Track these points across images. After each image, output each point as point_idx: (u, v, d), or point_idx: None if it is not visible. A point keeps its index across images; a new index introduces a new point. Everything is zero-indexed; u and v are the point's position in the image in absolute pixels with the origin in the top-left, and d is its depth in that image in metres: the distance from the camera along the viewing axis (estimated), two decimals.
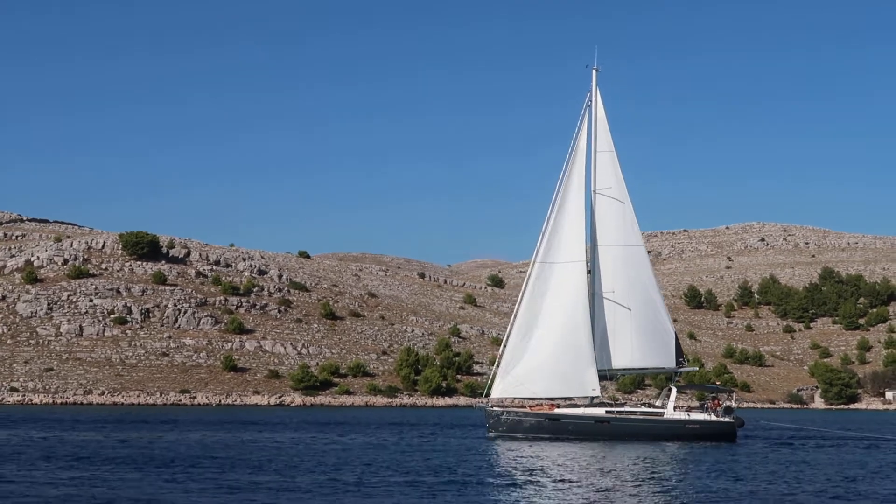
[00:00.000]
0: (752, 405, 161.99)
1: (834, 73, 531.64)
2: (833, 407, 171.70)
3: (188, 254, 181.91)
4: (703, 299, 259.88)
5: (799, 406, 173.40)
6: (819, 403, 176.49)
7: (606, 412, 70.38)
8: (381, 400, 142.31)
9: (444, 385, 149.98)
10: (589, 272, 73.50)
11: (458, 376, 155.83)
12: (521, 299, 72.50)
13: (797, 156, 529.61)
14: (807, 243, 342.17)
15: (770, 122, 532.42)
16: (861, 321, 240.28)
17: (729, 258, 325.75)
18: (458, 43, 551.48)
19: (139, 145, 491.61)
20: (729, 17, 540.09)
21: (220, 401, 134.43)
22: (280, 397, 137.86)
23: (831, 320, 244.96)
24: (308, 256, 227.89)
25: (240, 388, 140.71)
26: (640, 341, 74.38)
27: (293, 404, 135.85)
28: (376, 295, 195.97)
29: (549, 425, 69.04)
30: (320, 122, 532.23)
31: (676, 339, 76.70)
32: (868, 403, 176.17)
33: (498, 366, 71.40)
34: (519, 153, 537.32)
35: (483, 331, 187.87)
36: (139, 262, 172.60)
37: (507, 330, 72.30)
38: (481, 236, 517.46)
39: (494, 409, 70.53)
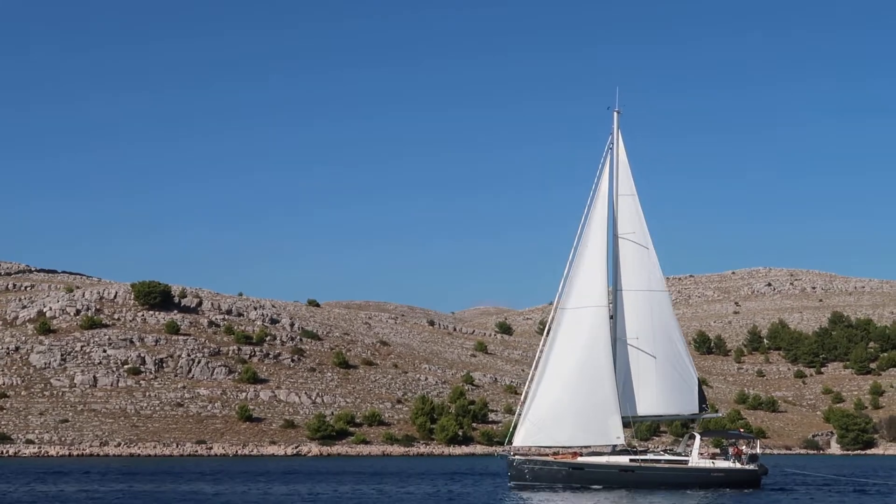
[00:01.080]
0: (768, 451, 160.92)
1: (839, 108, 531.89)
2: (850, 452, 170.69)
3: (200, 303, 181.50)
4: (712, 345, 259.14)
5: (815, 452, 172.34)
6: (835, 449, 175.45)
7: (630, 460, 69.65)
8: (398, 449, 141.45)
9: (461, 433, 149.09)
10: (611, 317, 73.09)
11: (474, 424, 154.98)
12: (543, 345, 72.13)
13: (803, 197, 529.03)
14: (814, 288, 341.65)
15: (776, 161, 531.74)
16: (872, 365, 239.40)
17: (736, 303, 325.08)
18: (467, 76, 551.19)
19: (139, 190, 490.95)
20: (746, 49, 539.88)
21: (236, 451, 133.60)
22: (297, 447, 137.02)
23: (842, 365, 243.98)
24: (317, 305, 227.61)
25: (256, 438, 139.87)
26: (664, 387, 73.90)
27: (310, 454, 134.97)
28: (388, 343, 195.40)
29: (573, 474, 68.43)
30: (318, 160, 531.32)
31: (699, 384, 76.33)
32: (885, 449, 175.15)
33: (520, 413, 70.94)
34: (526, 197, 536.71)
35: (496, 378, 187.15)
36: (151, 312, 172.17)
37: (529, 377, 71.77)
38: (484, 283, 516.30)
39: (516, 457, 69.86)
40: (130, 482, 72.51)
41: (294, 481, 75.35)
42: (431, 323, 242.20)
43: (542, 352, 71.93)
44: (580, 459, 69.71)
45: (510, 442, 70.84)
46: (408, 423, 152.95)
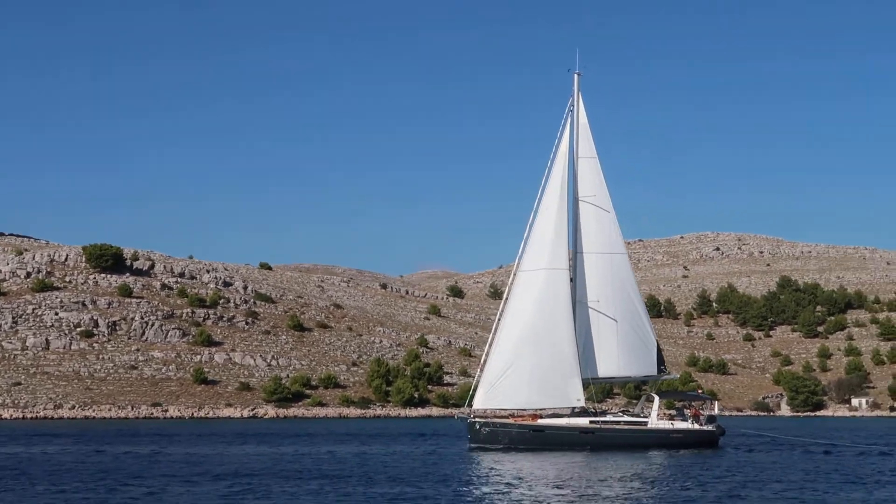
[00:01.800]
0: (720, 413, 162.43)
1: (800, 78, 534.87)
2: (800, 414, 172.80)
3: (152, 266, 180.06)
4: (662, 308, 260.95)
5: (766, 414, 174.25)
6: (786, 411, 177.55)
7: (591, 422, 69.62)
8: (354, 411, 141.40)
9: (417, 396, 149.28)
10: (571, 279, 72.95)
11: (430, 387, 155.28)
12: (503, 308, 71.57)
13: (751, 164, 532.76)
14: (761, 252, 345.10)
15: (735, 129, 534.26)
16: (820, 329, 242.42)
17: (685, 267, 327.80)
18: (433, 48, 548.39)
19: (92, 155, 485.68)
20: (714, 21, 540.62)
21: (192, 414, 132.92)
22: (253, 409, 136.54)
23: (790, 328, 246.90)
24: (269, 268, 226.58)
25: (211, 400, 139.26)
26: (623, 349, 73.92)
27: (266, 416, 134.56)
28: (342, 306, 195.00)
29: (533, 436, 68.11)
30: (278, 133, 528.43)
31: (658, 347, 76.55)
32: (834, 410, 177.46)
33: (479, 376, 70.54)
34: (483, 160, 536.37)
35: (450, 341, 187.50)
36: (103, 275, 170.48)
37: (489, 339, 71.36)
38: (430, 247, 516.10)
39: (476, 419, 69.48)
40: (112, 444, 71.93)
41: (263, 442, 75.05)
42: (384, 286, 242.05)
43: (501, 314, 71.49)
44: (540, 421, 69.59)
45: (470, 404, 70.32)
46: (363, 385, 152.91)
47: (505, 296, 72.79)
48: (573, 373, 70.48)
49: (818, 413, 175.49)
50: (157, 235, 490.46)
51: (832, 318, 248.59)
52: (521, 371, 69.23)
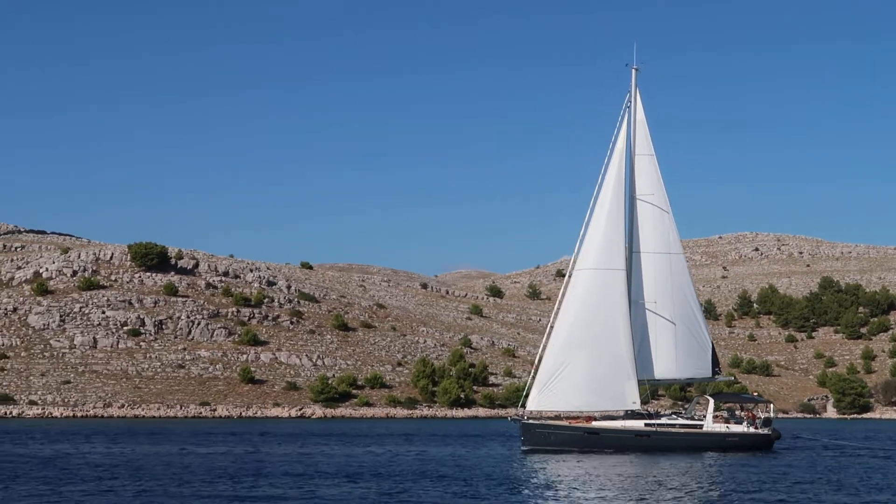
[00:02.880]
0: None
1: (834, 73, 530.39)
2: (847, 416, 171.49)
3: (197, 265, 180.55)
4: (703, 309, 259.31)
5: (811, 416, 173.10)
6: (832, 413, 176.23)
7: (646, 424, 69.23)
8: (401, 412, 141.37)
9: (463, 396, 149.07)
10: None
11: (475, 387, 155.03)
12: (559, 308, 71.15)
13: (789, 162, 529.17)
14: (801, 253, 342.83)
15: (770, 125, 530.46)
16: (863, 330, 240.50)
17: (724, 268, 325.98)
18: (473, 41, 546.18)
19: (127, 151, 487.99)
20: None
21: (240, 413, 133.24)
22: (301, 409, 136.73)
23: (833, 330, 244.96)
24: (310, 267, 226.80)
25: (259, 400, 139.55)
26: (679, 351, 73.77)
27: (314, 416, 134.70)
28: (384, 306, 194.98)
29: (588, 439, 67.76)
30: (309, 125, 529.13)
31: (713, 347, 76.19)
32: (882, 413, 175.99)
33: (533, 376, 70.01)
34: (519, 157, 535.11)
35: (493, 341, 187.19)
36: (148, 274, 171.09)
37: (544, 340, 70.84)
38: (465, 246, 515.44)
39: (531, 421, 69.04)
40: (186, 444, 72.12)
41: (323, 443, 75.07)
42: (424, 286, 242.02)
43: (556, 313, 71.06)
44: (595, 424, 69.14)
45: (523, 405, 69.99)
46: (409, 385, 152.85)
47: (560, 295, 72.34)
48: (630, 374, 70.35)
49: (865, 415, 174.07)
50: (191, 233, 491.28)
51: (875, 319, 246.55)
52: (576, 372, 68.94)
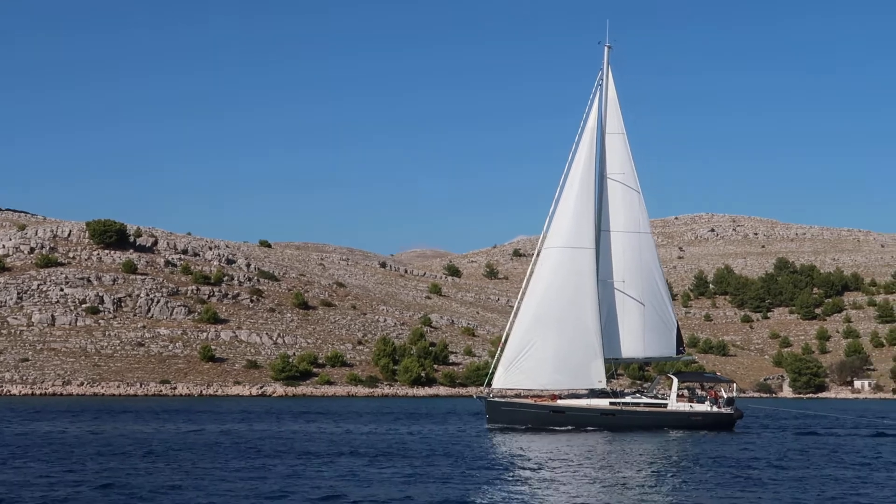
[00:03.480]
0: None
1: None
2: (802, 396, 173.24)
3: (156, 243, 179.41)
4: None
5: (768, 395, 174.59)
6: (787, 392, 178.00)
7: (611, 403, 69.09)
8: (362, 390, 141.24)
9: (424, 375, 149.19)
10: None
11: (436, 366, 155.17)
12: (526, 286, 70.12)
13: (746, 143, 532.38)
14: (756, 234, 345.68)
15: (733, 105, 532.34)
16: (817, 311, 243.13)
17: (680, 248, 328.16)
18: (441, 16, 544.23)
19: (82, 129, 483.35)
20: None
21: (201, 391, 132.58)
22: (262, 388, 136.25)
23: (788, 310, 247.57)
24: (269, 245, 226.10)
25: (220, 378, 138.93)
26: (645, 330, 73.03)
27: (275, 395, 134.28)
28: (344, 284, 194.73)
29: (554, 417, 67.43)
30: (265, 103, 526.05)
31: (678, 327, 76.05)
32: (836, 392, 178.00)
33: (500, 355, 69.37)
34: (477, 134, 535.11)
35: (452, 320, 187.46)
36: (107, 251, 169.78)
37: (511, 317, 70.12)
38: (420, 225, 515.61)
39: (496, 399, 68.79)
40: (161, 421, 71.60)
41: (286, 421, 74.74)
42: (383, 265, 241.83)
43: (523, 291, 70.35)
44: (561, 402, 68.76)
45: (489, 384, 69.25)
46: (370, 364, 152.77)
47: (528, 272, 71.46)
48: (597, 353, 69.70)
49: (820, 395, 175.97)
50: (148, 210, 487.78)
51: (829, 300, 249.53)
52: (543, 350, 68.13)
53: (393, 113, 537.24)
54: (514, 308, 70.83)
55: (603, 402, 68.79)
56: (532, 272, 70.47)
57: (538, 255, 71.01)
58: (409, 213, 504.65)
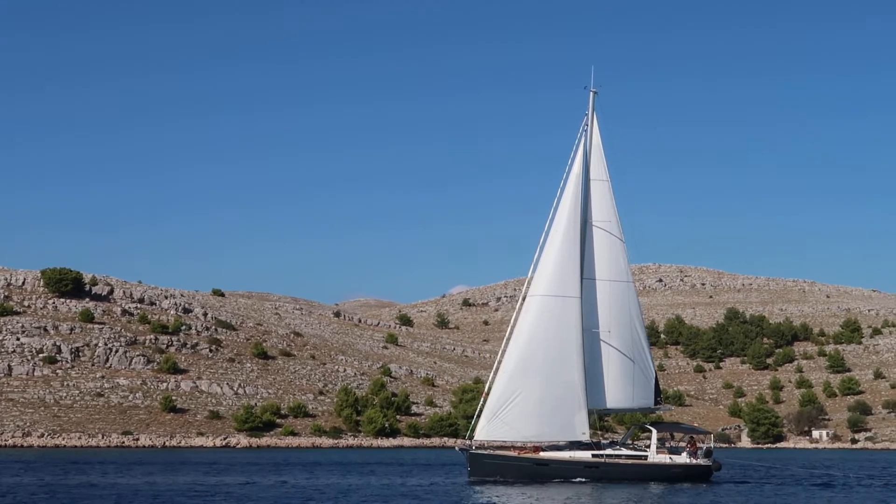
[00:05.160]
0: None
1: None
2: (761, 446, 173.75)
3: (111, 291, 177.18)
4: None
5: (727, 445, 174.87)
6: (746, 442, 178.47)
7: (593, 455, 68.46)
8: (326, 441, 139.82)
9: (387, 426, 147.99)
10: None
11: (398, 417, 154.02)
12: (510, 333, 69.66)
13: (688, 194, 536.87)
14: (703, 284, 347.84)
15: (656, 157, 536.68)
16: (769, 361, 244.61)
17: None
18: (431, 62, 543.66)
19: (31, 176, 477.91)
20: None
21: (164, 443, 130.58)
22: (225, 439, 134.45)
23: (739, 360, 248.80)
24: (223, 294, 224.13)
25: (182, 429, 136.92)
26: (626, 381, 72.30)
27: (239, 446, 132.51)
28: (301, 334, 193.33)
29: (537, 469, 66.56)
30: (205, 155, 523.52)
31: (656, 377, 75.73)
32: (795, 443, 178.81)
33: (483, 406, 68.30)
34: (403, 188, 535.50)
35: (412, 370, 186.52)
36: (63, 300, 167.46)
37: (494, 367, 69.15)
38: (358, 274, 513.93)
39: (478, 452, 67.80)
40: (137, 474, 70.18)
41: (258, 473, 73.69)
42: (337, 314, 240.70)
43: (508, 339, 69.42)
44: (544, 455, 67.92)
45: (471, 436, 68.30)
46: (332, 414, 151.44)
47: (513, 320, 70.41)
48: (581, 404, 68.81)
49: (779, 445, 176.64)
50: (94, 259, 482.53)
51: (780, 350, 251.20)
52: (527, 401, 66.96)
53: (368, 166, 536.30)
54: (498, 357, 69.88)
55: (586, 455, 68.06)
56: (515, 320, 69.60)
57: (522, 301, 70.26)
58: (349, 262, 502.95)
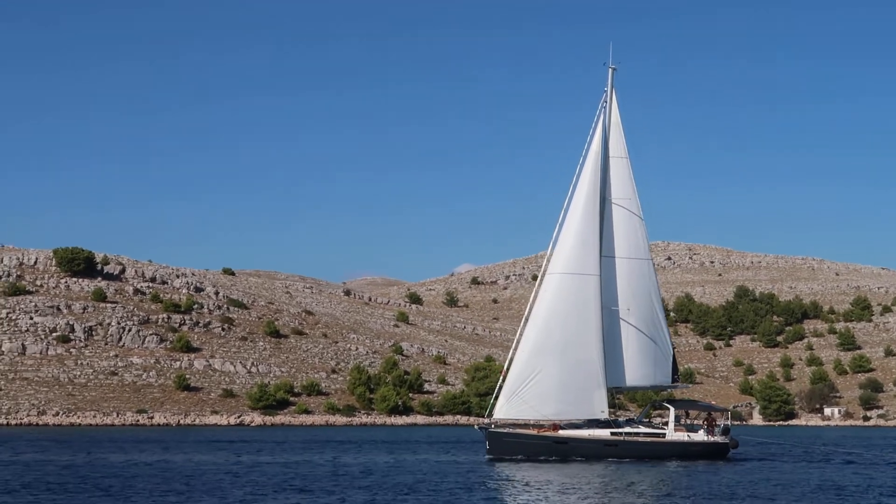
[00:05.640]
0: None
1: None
2: (773, 423, 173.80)
3: (123, 270, 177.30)
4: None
5: (738, 423, 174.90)
6: (758, 420, 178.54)
7: (612, 433, 68.29)
8: (340, 419, 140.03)
9: (401, 404, 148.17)
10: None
11: (411, 395, 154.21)
12: (529, 312, 69.22)
13: (700, 172, 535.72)
14: (712, 262, 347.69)
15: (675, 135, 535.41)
16: (779, 339, 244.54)
17: None
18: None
19: (40, 158, 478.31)
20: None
21: (178, 421, 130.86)
22: (239, 417, 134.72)
23: (749, 338, 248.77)
24: (233, 273, 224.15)
25: (196, 407, 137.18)
26: (645, 358, 72.08)
27: (253, 424, 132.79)
28: (313, 313, 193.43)
29: (556, 448, 66.44)
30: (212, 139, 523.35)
31: (674, 355, 75.50)
32: (807, 420, 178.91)
33: (502, 384, 68.10)
34: (412, 168, 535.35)
35: (423, 349, 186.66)
36: (75, 279, 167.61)
37: (514, 345, 68.65)
38: (366, 252, 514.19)
39: (498, 430, 67.81)
40: (161, 453, 70.35)
41: (294, 452, 73.84)
42: (347, 293, 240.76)
43: (527, 317, 68.82)
44: (563, 433, 67.79)
45: (490, 414, 68.09)
46: (345, 392, 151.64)
47: (532, 298, 69.84)
48: (600, 383, 68.53)
49: (790, 422, 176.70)
50: (107, 238, 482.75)
51: (790, 328, 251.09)
52: (546, 380, 66.54)
53: (375, 147, 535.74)
54: (517, 335, 69.61)
55: (604, 433, 67.93)
56: (535, 297, 69.28)
57: (541, 279, 69.89)
58: (354, 241, 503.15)
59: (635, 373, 72.80)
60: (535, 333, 68.07)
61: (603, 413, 68.96)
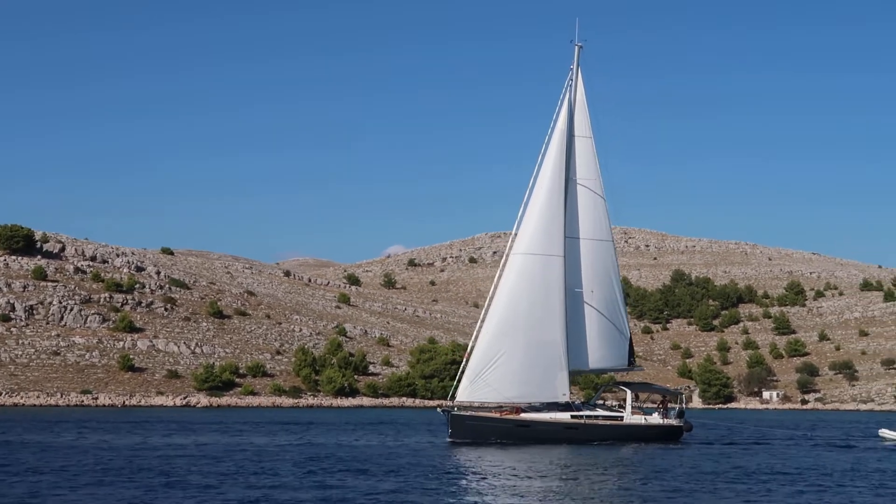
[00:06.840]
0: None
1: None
2: (713, 406, 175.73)
3: (63, 248, 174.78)
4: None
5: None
6: (697, 403, 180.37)
7: (572, 416, 68.48)
8: (287, 401, 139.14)
9: (347, 386, 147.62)
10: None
11: (356, 376, 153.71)
12: (493, 293, 68.88)
13: (634, 155, 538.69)
14: (647, 246, 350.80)
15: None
16: (715, 322, 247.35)
17: None
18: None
19: None
20: None
21: (123, 402, 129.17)
22: (185, 398, 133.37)
23: (686, 322, 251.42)
24: (172, 253, 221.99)
25: (141, 388, 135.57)
26: (603, 341, 72.32)
27: (199, 405, 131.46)
28: (255, 293, 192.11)
29: (517, 431, 66.54)
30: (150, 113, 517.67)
31: (630, 338, 75.83)
32: (746, 403, 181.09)
33: (465, 366, 67.74)
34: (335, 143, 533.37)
35: (366, 330, 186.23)
36: (14, 257, 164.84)
37: (477, 327, 68.27)
38: (294, 232, 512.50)
39: (461, 413, 67.21)
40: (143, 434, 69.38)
41: (237, 434, 73.27)
42: (287, 274, 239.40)
43: (491, 298, 68.37)
44: (525, 416, 67.82)
45: (453, 396, 67.80)
46: (291, 374, 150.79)
47: (496, 280, 69.89)
48: (563, 365, 68.47)
49: (730, 405, 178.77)
50: (38, 216, 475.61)
51: (726, 312, 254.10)
52: (510, 362, 66.22)
53: (324, 116, 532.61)
54: (481, 316, 69.26)
55: (565, 416, 68.08)
56: (500, 278, 68.96)
57: (506, 260, 69.57)
58: (283, 221, 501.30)
59: (595, 355, 73.01)
60: (498, 314, 67.72)
61: (564, 396, 69.08)
